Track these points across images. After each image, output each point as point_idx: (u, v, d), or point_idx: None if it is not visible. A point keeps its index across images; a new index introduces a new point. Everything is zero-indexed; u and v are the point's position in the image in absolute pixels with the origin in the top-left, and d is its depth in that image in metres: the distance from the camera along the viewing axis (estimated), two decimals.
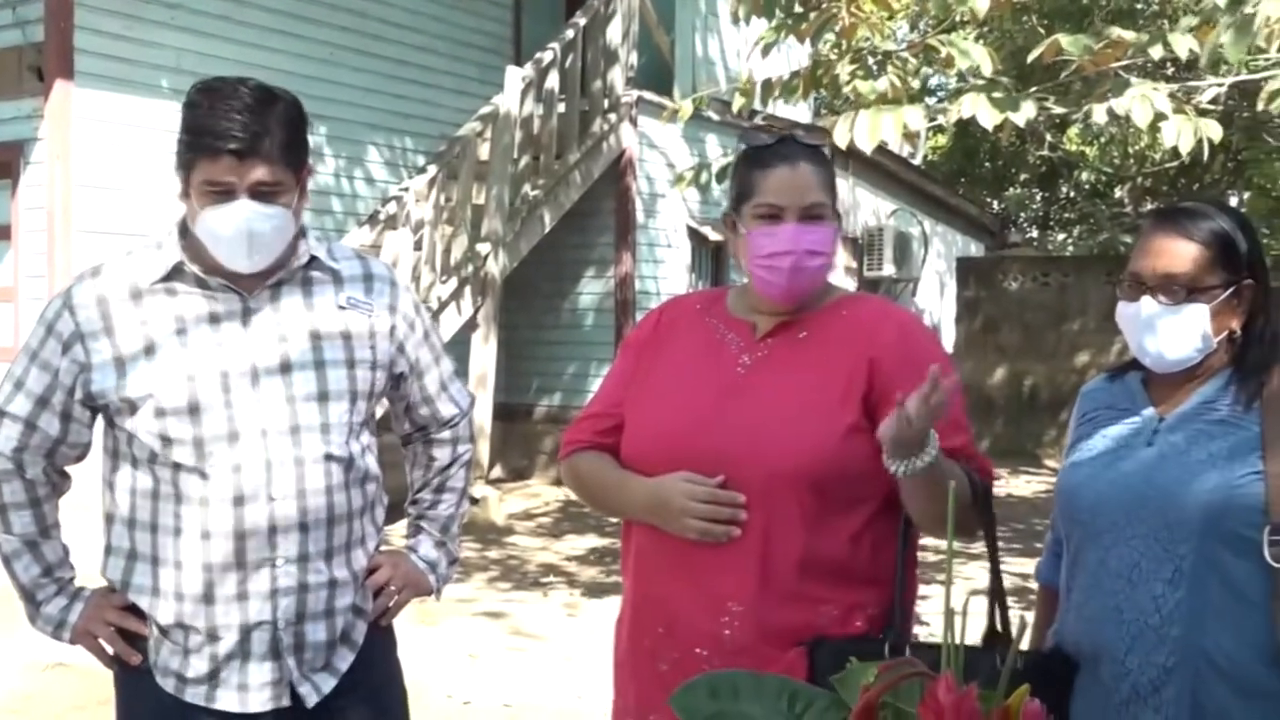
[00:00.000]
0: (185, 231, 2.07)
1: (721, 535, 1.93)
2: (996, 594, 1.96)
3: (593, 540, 8.38)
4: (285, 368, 2.04)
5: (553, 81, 9.69)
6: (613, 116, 10.40)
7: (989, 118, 4.50)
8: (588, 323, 10.88)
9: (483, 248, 9.06)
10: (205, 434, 1.99)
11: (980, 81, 5.12)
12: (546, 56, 9.62)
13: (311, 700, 2.09)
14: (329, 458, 2.05)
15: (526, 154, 9.59)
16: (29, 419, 2.05)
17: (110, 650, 2.12)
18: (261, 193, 1.96)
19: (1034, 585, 2.28)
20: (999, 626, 1.95)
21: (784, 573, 1.94)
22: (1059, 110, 4.92)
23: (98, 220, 8.01)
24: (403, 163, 9.99)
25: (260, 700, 2.05)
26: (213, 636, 2.02)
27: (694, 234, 11.42)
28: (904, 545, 1.99)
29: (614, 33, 10.35)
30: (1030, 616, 2.15)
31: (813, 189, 2.00)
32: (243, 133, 1.92)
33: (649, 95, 10.68)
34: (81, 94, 7.91)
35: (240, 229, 1.96)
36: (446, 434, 2.34)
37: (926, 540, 2.12)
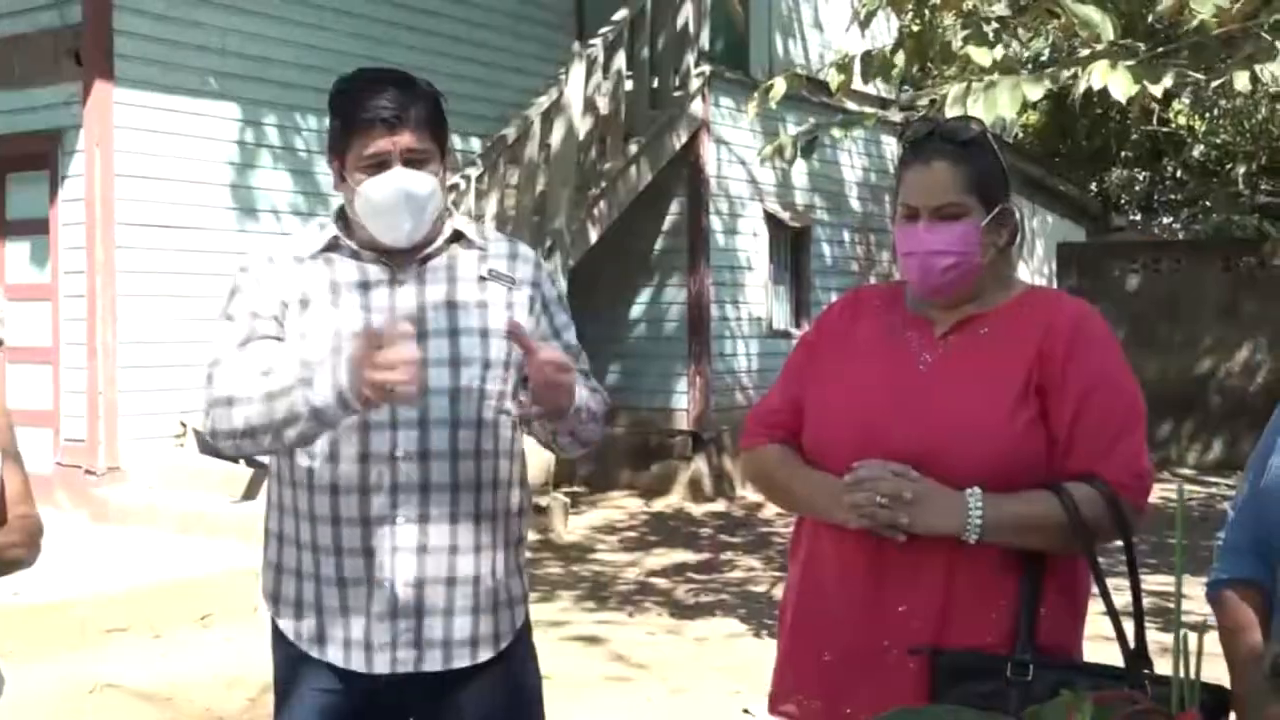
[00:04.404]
0: (341, 217, 2.32)
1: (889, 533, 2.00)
2: (1137, 615, 1.99)
3: (683, 555, 8.27)
4: (421, 335, 2.18)
5: (619, 58, 9.56)
6: (683, 95, 10.23)
7: (1121, 88, 4.29)
8: (660, 317, 10.72)
9: (548, 237, 8.95)
10: None
11: (1100, 48, 4.89)
12: (612, 31, 9.50)
13: (427, 663, 2.22)
14: (455, 423, 2.21)
15: (592, 136, 9.47)
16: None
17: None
18: (411, 160, 2.20)
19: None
20: (1134, 646, 1.98)
21: (970, 576, 2.02)
22: (1199, 77, 4.69)
23: (139, 212, 8.00)
24: (460, 146, 9.92)
25: (383, 661, 2.22)
26: (340, 586, 2.22)
27: (771, 219, 11.25)
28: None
29: (684, 4, 10.20)
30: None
31: (943, 189, 2.09)
32: (391, 103, 2.18)
33: (723, 71, 10.52)
34: (122, 79, 7.90)
35: (398, 192, 2.19)
36: None
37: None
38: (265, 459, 2.37)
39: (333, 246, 2.29)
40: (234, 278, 2.34)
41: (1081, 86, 4.55)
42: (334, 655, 2.25)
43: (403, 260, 2.27)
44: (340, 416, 2.10)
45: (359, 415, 2.12)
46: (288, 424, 2.11)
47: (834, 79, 5.39)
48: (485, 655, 2.29)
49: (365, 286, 2.26)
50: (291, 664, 2.31)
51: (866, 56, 5.33)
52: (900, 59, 5.27)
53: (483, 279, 2.30)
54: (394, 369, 1.97)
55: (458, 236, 2.31)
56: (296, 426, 2.10)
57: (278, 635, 2.33)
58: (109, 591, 6.17)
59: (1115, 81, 4.39)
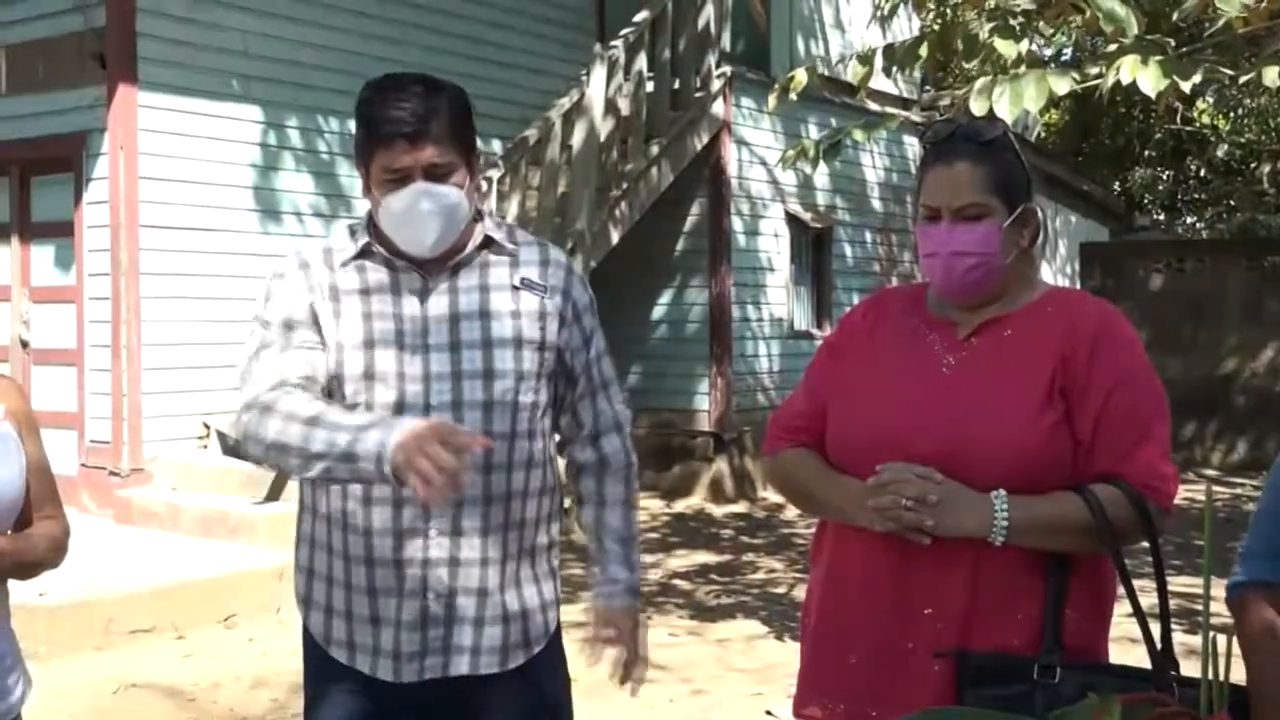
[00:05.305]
0: (372, 223, 2.29)
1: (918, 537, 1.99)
2: (1163, 617, 1.97)
3: (705, 556, 8.23)
4: (455, 345, 2.22)
5: (640, 60, 9.55)
6: (704, 95, 10.21)
7: (1151, 83, 4.25)
8: (682, 318, 10.71)
9: (569, 239, 8.95)
10: (376, 400, 2.19)
11: (1127, 42, 4.83)
12: (633, 32, 9.49)
13: (454, 668, 2.22)
14: (488, 436, 2.16)
15: (613, 138, 9.47)
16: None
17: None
18: (433, 174, 2.17)
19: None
20: (1160, 647, 1.97)
21: (995, 578, 2.01)
22: (1228, 73, 4.64)
23: (163, 214, 8.03)
24: (481, 148, 9.90)
25: (411, 670, 2.22)
26: (370, 595, 2.22)
27: (793, 219, 11.22)
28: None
29: (706, 5, 10.18)
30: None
31: (966, 189, 2.08)
32: (411, 118, 2.14)
33: (744, 71, 10.49)
34: (146, 82, 7.93)
35: (418, 207, 2.17)
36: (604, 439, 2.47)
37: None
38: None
39: (365, 253, 2.27)
40: (268, 283, 2.31)
41: (1110, 80, 4.49)
42: (362, 663, 2.25)
43: (435, 268, 2.25)
44: (372, 475, 1.99)
45: (389, 485, 2.04)
46: (320, 457, 2.03)
47: (856, 71, 5.33)
48: (516, 662, 2.29)
49: (398, 294, 2.24)
50: (321, 668, 2.32)
51: (889, 48, 5.28)
52: (924, 50, 5.22)
53: (515, 288, 2.28)
54: (439, 470, 1.88)
55: (489, 243, 2.29)
56: (325, 462, 2.03)
57: (309, 639, 2.33)
58: (133, 592, 6.20)
59: (1145, 76, 4.33)
